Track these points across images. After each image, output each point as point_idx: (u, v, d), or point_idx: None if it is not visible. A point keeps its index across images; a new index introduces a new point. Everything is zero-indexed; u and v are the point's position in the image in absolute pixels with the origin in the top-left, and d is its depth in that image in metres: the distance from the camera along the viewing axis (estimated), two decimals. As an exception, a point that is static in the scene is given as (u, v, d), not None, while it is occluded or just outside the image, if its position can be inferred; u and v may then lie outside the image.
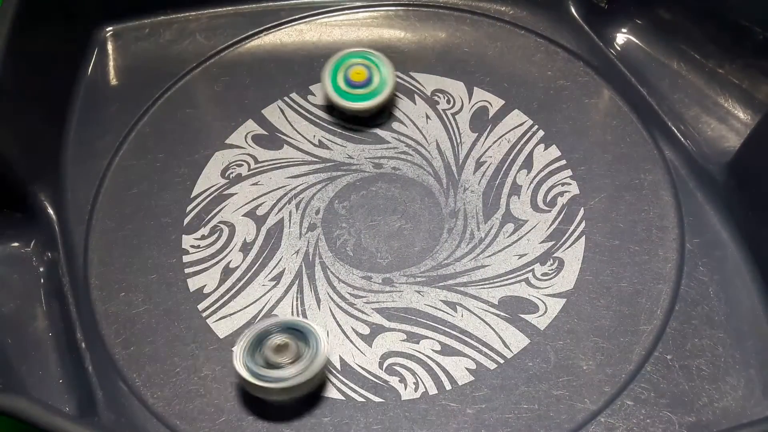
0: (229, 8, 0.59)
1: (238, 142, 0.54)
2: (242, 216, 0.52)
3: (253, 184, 0.53)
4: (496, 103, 0.55)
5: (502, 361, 0.47)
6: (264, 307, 0.49)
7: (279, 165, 0.54)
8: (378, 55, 0.54)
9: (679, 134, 0.53)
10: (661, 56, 0.55)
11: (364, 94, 0.53)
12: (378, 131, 0.55)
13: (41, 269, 0.50)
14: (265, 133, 0.55)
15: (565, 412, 0.45)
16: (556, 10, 0.58)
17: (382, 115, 0.55)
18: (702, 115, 0.53)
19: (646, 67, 0.55)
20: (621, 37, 0.56)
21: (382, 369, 0.47)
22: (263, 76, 0.57)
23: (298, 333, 0.46)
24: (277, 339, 0.45)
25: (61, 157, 0.54)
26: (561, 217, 0.51)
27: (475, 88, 0.56)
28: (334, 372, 0.47)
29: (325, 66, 0.54)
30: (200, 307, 0.49)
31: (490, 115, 0.55)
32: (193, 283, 0.50)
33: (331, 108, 0.55)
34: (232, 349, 0.45)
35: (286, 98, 0.56)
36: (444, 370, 0.47)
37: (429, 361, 0.47)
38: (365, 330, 0.48)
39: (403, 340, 0.48)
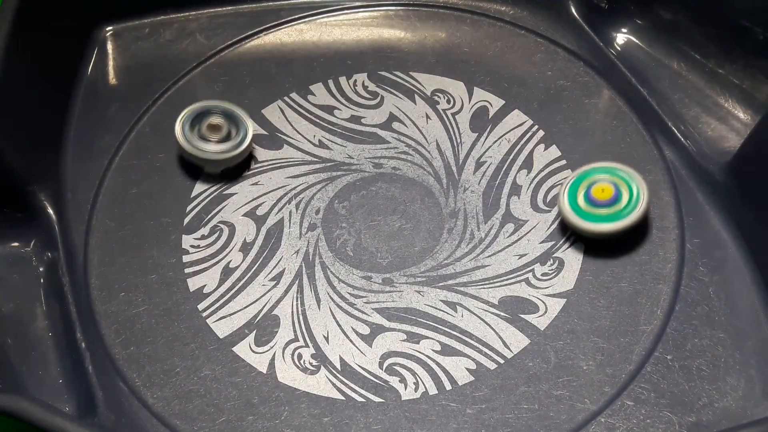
0: (229, 8, 0.59)
1: (238, 142, 0.54)
2: (242, 216, 0.52)
3: (253, 184, 0.53)
4: (496, 103, 0.55)
5: (502, 361, 0.47)
6: (264, 307, 0.49)
7: (279, 165, 0.54)
8: (627, 171, 0.49)
9: (679, 134, 0.53)
10: (661, 56, 0.55)
11: (608, 214, 0.48)
12: (378, 131, 0.55)
13: (41, 269, 0.50)
14: (265, 132, 0.55)
15: (565, 412, 0.45)
16: (556, 10, 0.58)
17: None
18: (702, 115, 0.53)
19: (646, 67, 0.55)
20: (621, 37, 0.56)
21: (382, 369, 0.47)
22: (263, 76, 0.57)
23: (234, 118, 0.52)
24: (214, 119, 0.51)
25: (61, 157, 0.54)
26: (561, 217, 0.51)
27: (475, 88, 0.56)
28: (334, 372, 0.47)
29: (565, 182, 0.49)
30: (200, 307, 0.49)
31: (490, 115, 0.55)
32: (193, 283, 0.50)
33: (331, 108, 0.55)
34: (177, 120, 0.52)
35: (286, 98, 0.56)
36: (444, 370, 0.47)
37: (429, 361, 0.47)
38: (365, 330, 0.48)
39: (403, 340, 0.48)
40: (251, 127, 0.52)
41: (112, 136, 0.55)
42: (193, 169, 0.54)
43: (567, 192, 0.49)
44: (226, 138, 0.52)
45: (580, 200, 0.48)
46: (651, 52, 0.56)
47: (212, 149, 0.52)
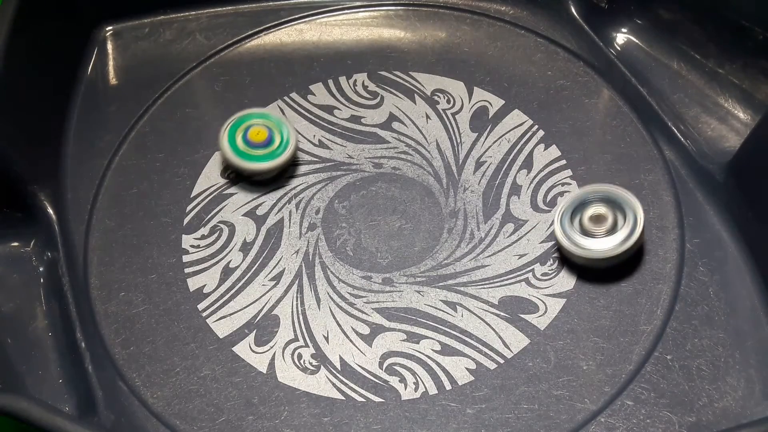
0: (229, 8, 0.59)
1: (238, 141, 0.54)
2: (242, 216, 0.52)
3: (253, 184, 0.53)
4: (496, 103, 0.55)
5: (502, 361, 0.47)
6: (264, 306, 0.49)
7: (279, 165, 0.54)
8: (278, 117, 0.53)
9: (679, 134, 0.53)
10: (661, 56, 0.55)
11: (264, 154, 0.52)
12: (378, 131, 0.55)
13: (41, 269, 0.50)
14: (265, 132, 0.55)
15: (565, 412, 0.45)
16: (556, 10, 0.58)
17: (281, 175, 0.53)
18: (702, 115, 0.53)
19: (646, 67, 0.55)
20: (621, 37, 0.56)
21: (382, 369, 0.47)
22: (263, 75, 0.57)
23: (614, 203, 0.48)
24: (595, 209, 0.48)
25: (61, 157, 0.54)
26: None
27: (475, 88, 0.56)
28: (334, 372, 0.47)
29: (223, 128, 0.52)
30: (200, 306, 0.49)
31: (490, 115, 0.55)
32: (193, 283, 0.50)
33: (331, 108, 0.55)
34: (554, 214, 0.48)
35: (286, 98, 0.56)
36: (444, 370, 0.47)
37: (429, 361, 0.47)
38: (365, 330, 0.48)
39: (403, 340, 0.48)
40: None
41: (112, 136, 0.55)
42: (193, 168, 0.54)
43: (227, 134, 0.52)
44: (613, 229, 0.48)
45: (239, 141, 0.52)
46: (651, 52, 0.56)
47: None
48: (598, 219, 0.48)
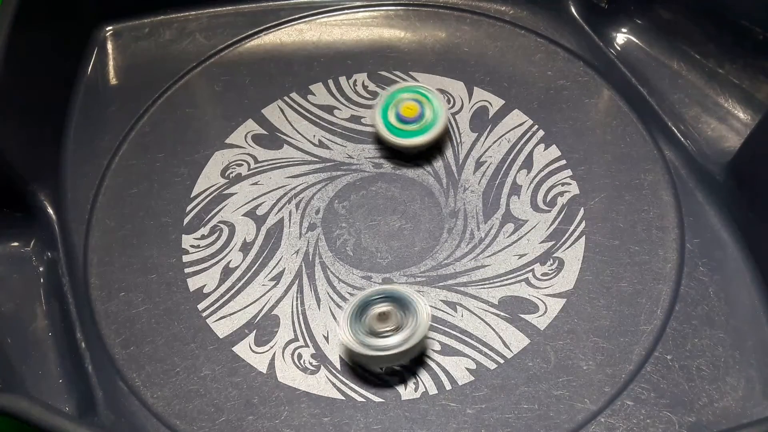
0: (229, 8, 0.59)
1: (238, 141, 0.54)
2: (242, 216, 0.52)
3: (253, 184, 0.53)
4: (496, 102, 0.55)
5: (502, 361, 0.47)
6: (264, 306, 0.49)
7: (279, 165, 0.54)
8: (430, 90, 0.53)
9: (679, 134, 0.53)
10: (661, 56, 0.55)
11: (416, 130, 0.52)
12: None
13: (41, 269, 0.50)
14: (265, 132, 0.55)
15: (565, 412, 0.45)
16: (556, 10, 0.58)
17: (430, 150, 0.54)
18: (702, 115, 0.53)
19: (646, 67, 0.55)
20: (621, 37, 0.56)
21: (382, 369, 0.47)
22: (263, 75, 0.57)
23: (400, 302, 0.46)
24: (380, 308, 0.46)
25: (61, 157, 0.54)
26: (561, 217, 0.51)
27: (475, 88, 0.56)
28: (334, 371, 0.47)
29: (376, 102, 0.53)
30: (200, 306, 0.49)
31: (490, 114, 0.55)
32: (193, 283, 0.50)
33: (331, 108, 0.55)
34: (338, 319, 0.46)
35: (286, 98, 0.56)
36: (444, 370, 0.47)
37: (429, 361, 0.47)
38: (365, 330, 0.48)
39: (403, 340, 0.48)
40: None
41: (112, 136, 0.55)
42: (193, 168, 0.54)
43: (380, 113, 0.52)
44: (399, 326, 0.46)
45: (392, 117, 0.52)
46: (651, 52, 0.56)
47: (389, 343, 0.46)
48: (383, 317, 0.46)
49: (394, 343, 0.45)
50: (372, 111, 0.53)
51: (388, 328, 0.46)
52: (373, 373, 0.47)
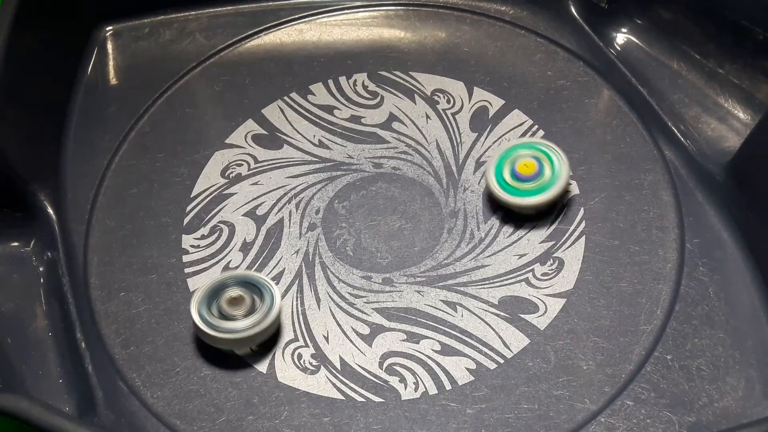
0: (229, 8, 0.59)
1: (238, 141, 0.54)
2: (242, 216, 0.52)
3: (253, 184, 0.53)
4: (496, 102, 0.55)
5: (502, 361, 0.47)
6: (264, 307, 0.49)
7: (279, 165, 0.54)
8: (551, 147, 0.50)
9: (679, 134, 0.53)
10: (661, 56, 0.55)
11: (532, 189, 0.49)
12: (378, 131, 0.55)
13: (41, 269, 0.50)
14: (265, 132, 0.55)
15: (565, 412, 0.45)
16: (556, 10, 0.58)
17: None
18: (702, 115, 0.53)
19: (646, 67, 0.55)
20: (621, 37, 0.56)
21: (382, 369, 0.47)
22: (263, 75, 0.57)
23: (253, 287, 0.47)
24: (232, 292, 0.47)
25: (61, 157, 0.54)
26: (561, 217, 0.51)
27: (475, 88, 0.56)
28: (334, 372, 0.47)
29: (490, 157, 0.51)
30: (200, 307, 0.49)
31: (490, 114, 0.55)
32: (193, 283, 0.50)
33: (331, 108, 0.55)
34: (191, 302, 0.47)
35: (286, 98, 0.56)
36: (444, 370, 0.47)
37: (429, 361, 0.47)
38: (365, 330, 0.48)
39: (403, 340, 0.48)
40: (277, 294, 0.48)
41: (112, 136, 0.55)
42: (193, 168, 0.54)
43: (493, 169, 0.50)
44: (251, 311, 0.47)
45: (506, 176, 0.50)
46: (651, 52, 0.56)
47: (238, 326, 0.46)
48: (235, 301, 0.47)
49: (241, 326, 0.46)
50: (485, 166, 0.51)
51: (238, 313, 0.46)
52: (373, 374, 0.47)
